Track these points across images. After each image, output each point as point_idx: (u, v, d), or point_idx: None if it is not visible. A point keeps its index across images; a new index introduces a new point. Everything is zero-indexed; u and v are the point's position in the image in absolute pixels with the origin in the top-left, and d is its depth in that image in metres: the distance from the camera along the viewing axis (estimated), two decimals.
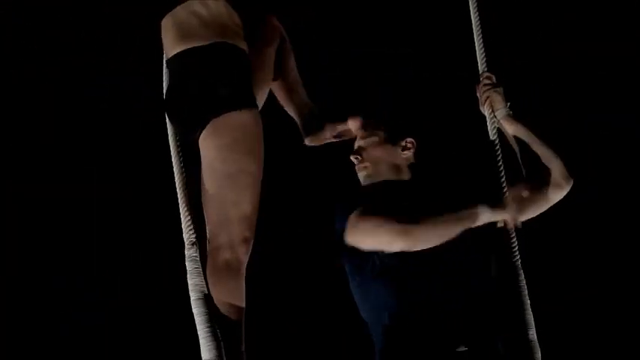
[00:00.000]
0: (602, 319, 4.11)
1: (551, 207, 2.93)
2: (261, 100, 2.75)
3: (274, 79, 2.91)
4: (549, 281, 3.06)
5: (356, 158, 2.93)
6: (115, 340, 4.12)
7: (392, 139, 2.92)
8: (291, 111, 3.00)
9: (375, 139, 2.94)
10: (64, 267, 4.12)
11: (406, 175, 2.90)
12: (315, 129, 2.99)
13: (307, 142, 3.02)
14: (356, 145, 2.96)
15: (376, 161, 2.91)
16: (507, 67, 2.98)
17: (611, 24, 4.16)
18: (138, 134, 4.09)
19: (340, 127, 2.99)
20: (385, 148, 2.92)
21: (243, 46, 2.66)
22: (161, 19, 2.71)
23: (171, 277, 4.01)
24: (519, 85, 2.98)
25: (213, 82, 2.58)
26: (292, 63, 2.95)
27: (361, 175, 2.92)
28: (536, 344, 2.63)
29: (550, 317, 3.13)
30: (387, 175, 2.89)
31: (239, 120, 2.57)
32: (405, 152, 2.91)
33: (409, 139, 2.92)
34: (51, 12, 4.03)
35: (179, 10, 2.68)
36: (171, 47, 2.68)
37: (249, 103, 2.60)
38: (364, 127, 2.97)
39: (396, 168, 2.90)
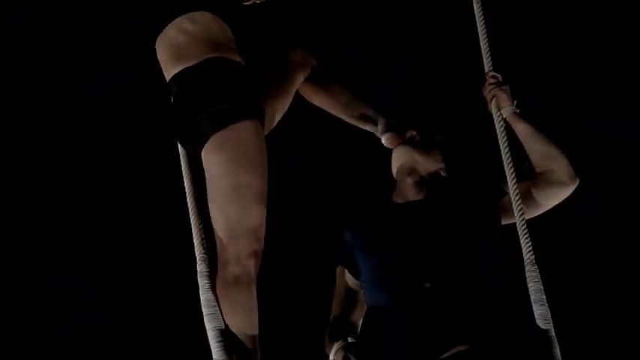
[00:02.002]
0: (617, 314, 4.13)
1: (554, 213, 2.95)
2: (270, 123, 2.76)
3: (328, 108, 2.99)
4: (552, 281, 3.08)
5: (411, 137, 2.95)
6: (115, 340, 4.11)
7: (444, 156, 2.96)
8: (366, 126, 3.03)
9: (435, 141, 2.98)
10: (64, 267, 4.11)
11: (426, 188, 2.93)
12: (395, 129, 3.00)
13: (386, 140, 3.02)
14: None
15: (421, 149, 2.95)
16: (507, 77, 2.99)
17: (611, 34, 4.16)
18: (138, 134, 4.09)
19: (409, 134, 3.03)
20: (435, 154, 2.96)
21: (237, 58, 2.67)
22: (160, 19, 2.72)
23: (171, 277, 4.04)
24: (519, 94, 2.98)
25: (209, 99, 2.59)
26: (335, 87, 2.98)
27: (400, 145, 2.96)
28: (555, 339, 2.63)
29: (568, 313, 3.15)
30: (416, 166, 2.93)
31: (238, 133, 2.57)
32: (443, 171, 2.95)
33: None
34: (51, 12, 4.02)
35: (169, 30, 2.70)
36: (167, 70, 2.70)
37: (249, 113, 2.60)
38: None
39: (429, 176, 2.94)
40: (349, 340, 2.75)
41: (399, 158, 2.98)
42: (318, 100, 2.97)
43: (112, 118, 4.10)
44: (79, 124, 4.13)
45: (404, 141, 2.99)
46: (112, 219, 4.14)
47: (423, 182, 2.93)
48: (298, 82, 2.84)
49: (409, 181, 2.93)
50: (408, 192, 2.93)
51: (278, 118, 2.79)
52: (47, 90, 4.12)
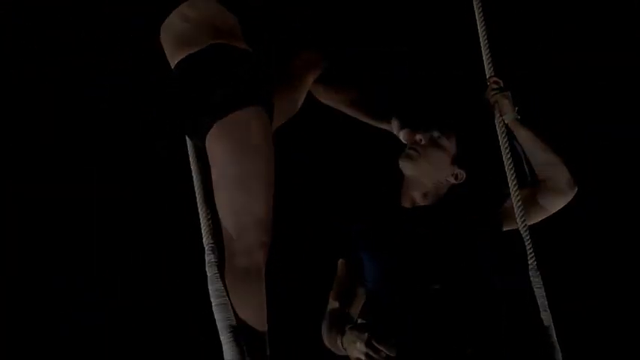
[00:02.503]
0: (618, 315, 4.13)
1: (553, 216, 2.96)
2: (277, 121, 2.73)
3: (342, 107, 3.00)
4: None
5: (417, 144, 2.95)
6: (115, 340, 4.11)
7: (453, 160, 2.95)
8: (381, 124, 3.04)
9: (442, 146, 2.96)
10: (64, 267, 4.11)
11: (432, 195, 2.93)
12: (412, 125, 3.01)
13: (403, 136, 3.02)
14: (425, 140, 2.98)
15: (426, 161, 2.94)
16: (507, 77, 2.99)
17: (611, 34, 4.16)
18: (138, 134, 4.09)
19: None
20: (442, 162, 2.95)
21: (241, 45, 2.63)
22: (160, 18, 2.71)
23: (171, 277, 4.05)
24: (519, 94, 2.99)
25: (212, 86, 2.55)
26: (348, 87, 3.01)
27: (404, 158, 2.95)
28: (557, 345, 2.64)
29: (570, 318, 3.15)
30: (422, 179, 2.92)
31: (242, 120, 2.53)
32: (451, 178, 2.94)
33: (462, 173, 2.95)
34: (51, 12, 4.02)
35: (171, 18, 2.67)
36: (172, 58, 2.67)
37: (252, 100, 2.55)
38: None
39: (437, 184, 2.93)
40: (359, 321, 2.74)
41: (406, 170, 2.98)
42: (332, 99, 2.97)
43: (112, 118, 4.10)
44: (79, 124, 4.12)
45: (407, 153, 2.98)
46: (112, 219, 4.14)
47: (430, 191, 2.94)
48: (309, 82, 2.82)
49: (416, 193, 2.95)
50: (416, 198, 2.95)
51: (286, 117, 2.76)
52: (47, 90, 4.11)
